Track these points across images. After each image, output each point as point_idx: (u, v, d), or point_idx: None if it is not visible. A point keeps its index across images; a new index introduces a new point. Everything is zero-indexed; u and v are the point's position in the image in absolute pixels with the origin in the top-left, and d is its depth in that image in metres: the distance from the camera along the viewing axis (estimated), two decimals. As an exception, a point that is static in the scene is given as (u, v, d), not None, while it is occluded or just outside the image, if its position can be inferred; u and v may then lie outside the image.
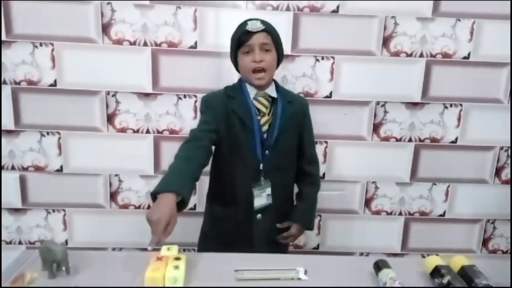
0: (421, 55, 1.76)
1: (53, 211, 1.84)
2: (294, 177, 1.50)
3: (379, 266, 1.08)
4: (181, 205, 1.08)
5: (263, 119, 1.35)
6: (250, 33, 1.27)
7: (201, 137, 1.27)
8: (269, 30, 1.31)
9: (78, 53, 1.69)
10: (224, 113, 1.33)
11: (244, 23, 1.31)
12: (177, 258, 1.09)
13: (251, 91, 1.35)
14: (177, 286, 1.02)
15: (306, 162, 1.48)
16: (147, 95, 1.74)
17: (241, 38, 1.29)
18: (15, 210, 1.83)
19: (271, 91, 1.37)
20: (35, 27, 1.66)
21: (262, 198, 1.38)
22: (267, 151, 1.35)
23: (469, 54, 1.76)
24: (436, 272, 1.06)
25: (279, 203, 1.43)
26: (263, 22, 1.30)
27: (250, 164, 1.35)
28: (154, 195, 1.07)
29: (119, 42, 1.69)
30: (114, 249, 1.87)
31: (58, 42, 1.68)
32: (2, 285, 0.99)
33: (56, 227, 1.85)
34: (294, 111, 1.39)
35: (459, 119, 1.83)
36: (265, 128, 1.35)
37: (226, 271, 1.11)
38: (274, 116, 1.35)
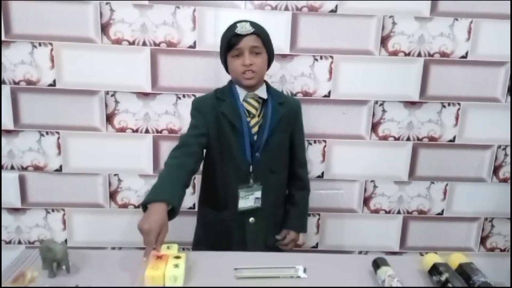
0: (419, 55, 1.76)
1: (53, 210, 1.84)
2: (286, 180, 1.49)
3: (377, 264, 1.09)
4: (171, 213, 1.09)
5: (253, 120, 1.34)
6: (240, 36, 1.26)
7: (190, 143, 1.26)
8: (259, 32, 1.29)
9: (77, 53, 1.69)
10: (214, 115, 1.33)
11: (234, 26, 1.29)
12: (177, 257, 1.09)
13: (241, 93, 1.35)
14: (177, 286, 1.02)
15: (298, 165, 1.48)
16: (146, 94, 1.75)
17: (230, 41, 1.28)
18: (14, 210, 1.83)
19: (261, 92, 1.36)
20: (34, 27, 1.66)
21: (248, 200, 1.37)
22: (257, 153, 1.34)
23: (467, 53, 1.77)
24: (434, 270, 1.07)
25: (272, 206, 1.43)
26: (252, 24, 1.29)
27: (240, 166, 1.35)
28: (144, 205, 1.08)
29: (118, 42, 1.69)
30: (113, 248, 1.88)
31: (57, 42, 1.68)
32: (3, 285, 0.99)
33: (55, 227, 1.86)
34: (285, 112, 1.38)
35: (457, 118, 1.84)
36: (255, 130, 1.34)
37: (225, 269, 1.11)
38: (264, 118, 1.34)
